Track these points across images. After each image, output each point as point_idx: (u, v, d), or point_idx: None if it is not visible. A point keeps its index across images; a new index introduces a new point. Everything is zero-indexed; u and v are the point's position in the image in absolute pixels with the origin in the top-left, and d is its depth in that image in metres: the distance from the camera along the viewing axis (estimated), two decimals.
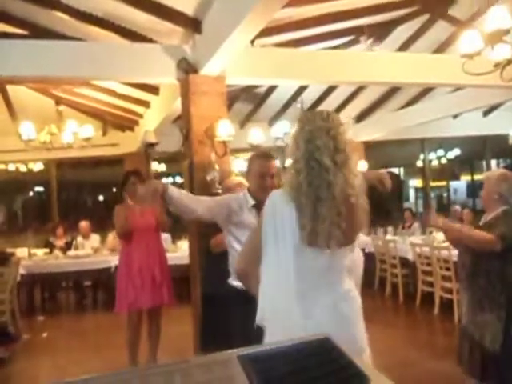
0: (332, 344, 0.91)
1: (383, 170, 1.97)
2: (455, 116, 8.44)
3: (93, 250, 6.66)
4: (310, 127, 1.57)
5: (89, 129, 6.00)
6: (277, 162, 2.50)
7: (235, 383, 0.81)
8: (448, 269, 5.03)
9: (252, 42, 4.27)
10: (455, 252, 3.91)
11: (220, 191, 3.85)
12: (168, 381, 0.83)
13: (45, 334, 5.35)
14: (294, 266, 1.54)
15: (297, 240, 1.54)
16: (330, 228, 1.51)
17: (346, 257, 1.61)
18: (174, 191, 2.21)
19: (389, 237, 6.97)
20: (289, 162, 1.65)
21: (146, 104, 6.72)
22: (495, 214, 2.64)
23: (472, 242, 2.59)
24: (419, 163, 10.13)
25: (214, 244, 2.93)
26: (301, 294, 1.54)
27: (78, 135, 5.94)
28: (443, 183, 12.41)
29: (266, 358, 0.86)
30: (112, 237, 7.00)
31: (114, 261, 5.55)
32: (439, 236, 6.18)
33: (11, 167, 8.47)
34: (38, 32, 4.63)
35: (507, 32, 2.80)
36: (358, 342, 1.60)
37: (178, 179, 10.61)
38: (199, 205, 2.35)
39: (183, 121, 4.50)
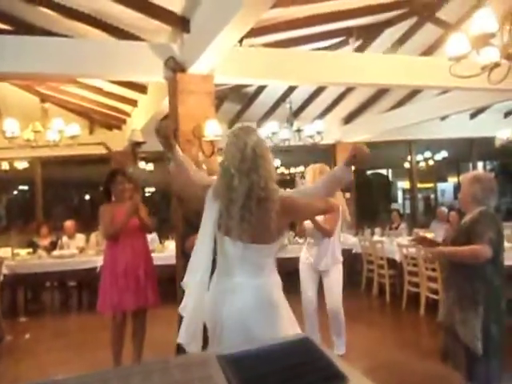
0: (311, 344, 0.90)
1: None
2: (443, 118, 8.53)
3: (78, 250, 6.58)
4: (228, 142, 1.96)
5: (75, 127, 5.92)
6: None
7: (214, 383, 0.80)
8: (434, 269, 5.07)
9: (240, 41, 4.25)
10: None
11: None
12: (147, 381, 0.81)
13: (27, 336, 5.26)
14: (214, 252, 1.93)
15: (217, 231, 1.92)
16: (240, 223, 1.84)
17: (263, 253, 1.92)
18: (179, 150, 2.29)
19: (376, 238, 7.01)
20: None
21: (133, 103, 6.67)
22: (471, 215, 2.67)
23: (466, 258, 2.57)
24: (407, 165, 10.21)
25: (190, 246, 2.88)
26: (219, 275, 1.95)
27: (63, 133, 5.86)
28: (431, 185, 12.52)
29: (245, 358, 0.85)
30: (94, 237, 6.92)
31: (99, 261, 5.48)
32: None
33: None
34: (24, 28, 4.56)
35: (493, 35, 2.82)
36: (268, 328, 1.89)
37: None
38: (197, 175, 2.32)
39: (171, 120, 4.46)
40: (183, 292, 2.06)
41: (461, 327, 2.56)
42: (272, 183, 1.89)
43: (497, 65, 2.94)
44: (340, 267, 3.84)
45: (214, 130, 4.15)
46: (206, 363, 0.85)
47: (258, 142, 1.90)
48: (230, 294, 1.90)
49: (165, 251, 6.26)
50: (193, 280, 1.97)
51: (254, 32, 4.17)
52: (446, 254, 2.73)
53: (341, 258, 3.87)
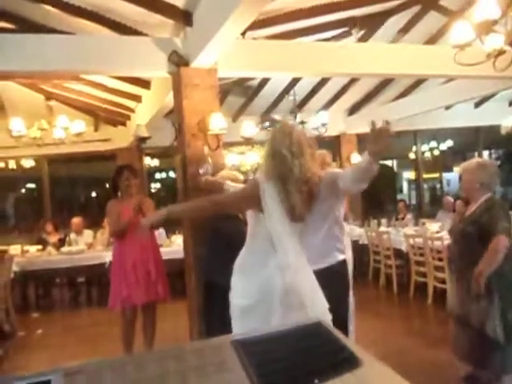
0: (324, 328, 0.92)
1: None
2: (447, 107, 8.46)
3: (86, 246, 6.63)
4: (273, 131, 2.17)
5: (80, 124, 5.95)
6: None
7: (229, 368, 0.81)
8: (441, 259, 5.07)
9: (243, 34, 4.24)
10: (447, 243, 3.93)
11: None
12: (162, 366, 0.83)
13: (40, 331, 5.33)
14: (276, 233, 2.00)
15: (280, 213, 2.00)
16: (298, 203, 1.99)
17: (310, 228, 2.11)
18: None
19: (382, 228, 7.01)
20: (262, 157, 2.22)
21: (137, 98, 6.67)
22: (478, 204, 2.65)
23: (495, 257, 2.53)
24: (412, 155, 10.16)
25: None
26: (268, 255, 2.03)
27: (69, 130, 5.90)
28: (436, 175, 12.46)
29: (260, 342, 0.86)
30: (100, 234, 6.97)
31: (108, 256, 5.53)
32: (432, 227, 6.23)
33: (1, 164, 8.38)
34: (27, 26, 4.57)
35: (496, 22, 2.80)
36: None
37: (172, 174, 10.58)
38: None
39: (175, 114, 4.47)
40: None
41: (479, 317, 2.53)
42: (313, 168, 2.09)
43: (501, 52, 2.92)
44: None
45: (219, 123, 4.15)
46: (221, 348, 0.86)
47: (301, 131, 2.14)
48: (284, 273, 1.97)
49: (172, 246, 6.29)
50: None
51: (257, 24, 4.16)
52: (487, 270, 2.52)
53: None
